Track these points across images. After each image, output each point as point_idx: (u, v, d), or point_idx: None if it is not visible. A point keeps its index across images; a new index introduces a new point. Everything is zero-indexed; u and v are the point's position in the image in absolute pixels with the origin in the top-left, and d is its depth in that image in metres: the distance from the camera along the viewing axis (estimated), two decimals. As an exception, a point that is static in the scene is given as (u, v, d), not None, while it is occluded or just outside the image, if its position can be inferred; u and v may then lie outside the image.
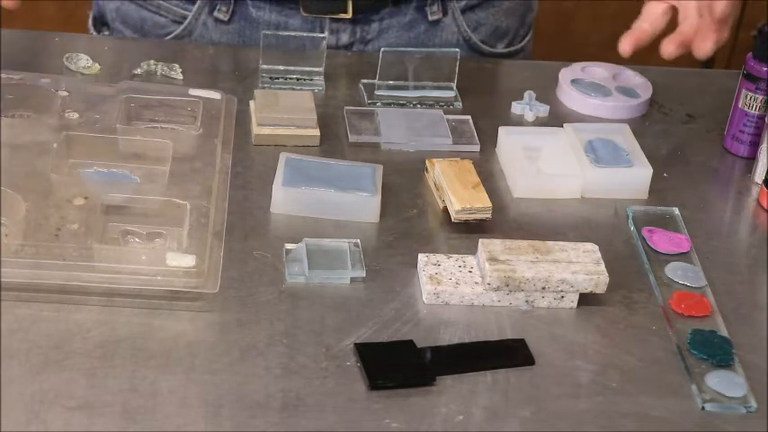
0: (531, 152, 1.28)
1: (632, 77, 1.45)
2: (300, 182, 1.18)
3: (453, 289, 1.08)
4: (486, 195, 1.18)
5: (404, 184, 1.24)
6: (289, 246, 1.12)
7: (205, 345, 1.02)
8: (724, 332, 1.08)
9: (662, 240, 1.19)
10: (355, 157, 1.26)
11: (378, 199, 1.18)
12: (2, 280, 1.02)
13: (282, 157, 1.22)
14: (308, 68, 1.38)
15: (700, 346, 1.06)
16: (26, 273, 1.03)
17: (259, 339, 1.03)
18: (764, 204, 1.27)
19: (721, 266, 1.17)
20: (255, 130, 1.28)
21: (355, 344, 1.03)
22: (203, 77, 1.38)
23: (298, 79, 1.38)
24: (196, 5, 1.46)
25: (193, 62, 1.41)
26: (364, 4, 1.45)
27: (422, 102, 1.37)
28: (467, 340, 1.05)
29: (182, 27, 1.47)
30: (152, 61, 1.38)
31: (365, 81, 1.38)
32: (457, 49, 1.38)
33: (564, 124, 1.32)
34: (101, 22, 1.55)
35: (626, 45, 1.31)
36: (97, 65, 1.38)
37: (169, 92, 1.30)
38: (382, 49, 1.36)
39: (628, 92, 1.42)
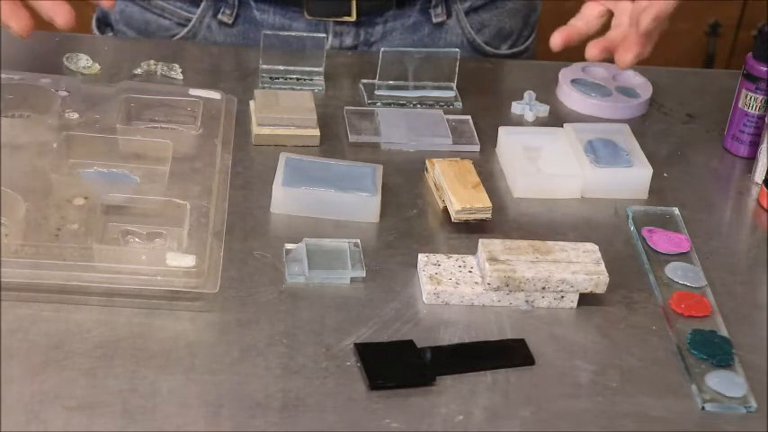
0: (531, 152, 1.28)
1: (632, 77, 1.45)
2: (300, 182, 1.18)
3: (453, 289, 1.08)
4: (486, 195, 1.18)
5: (404, 184, 1.24)
6: (289, 246, 1.12)
7: (205, 345, 1.02)
8: (724, 332, 1.08)
9: (662, 240, 1.19)
10: (355, 157, 1.26)
11: (378, 199, 1.18)
12: (2, 280, 1.02)
13: (282, 157, 1.22)
14: (308, 68, 1.38)
15: (700, 346, 1.06)
16: (26, 273, 1.03)
17: (259, 339, 1.02)
18: (764, 204, 1.27)
19: (721, 266, 1.17)
20: (255, 130, 1.28)
21: (355, 344, 1.03)
22: (203, 77, 1.38)
23: (298, 79, 1.38)
24: (200, 8, 1.46)
25: (193, 62, 1.41)
26: (368, 7, 1.44)
27: (422, 102, 1.37)
28: (467, 340, 1.05)
29: (186, 30, 1.47)
30: (152, 61, 1.38)
31: (365, 81, 1.38)
32: (457, 49, 1.38)
33: (564, 124, 1.32)
34: (104, 24, 1.55)
35: (556, 39, 1.29)
36: (97, 65, 1.38)
37: (169, 92, 1.30)
38: (382, 48, 1.35)
39: (628, 92, 1.42)
